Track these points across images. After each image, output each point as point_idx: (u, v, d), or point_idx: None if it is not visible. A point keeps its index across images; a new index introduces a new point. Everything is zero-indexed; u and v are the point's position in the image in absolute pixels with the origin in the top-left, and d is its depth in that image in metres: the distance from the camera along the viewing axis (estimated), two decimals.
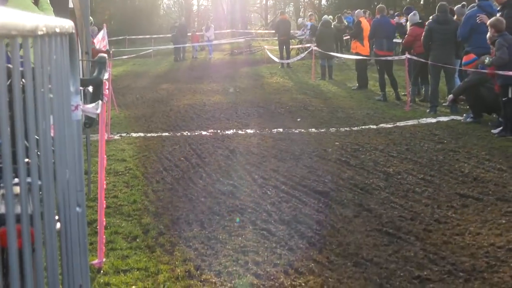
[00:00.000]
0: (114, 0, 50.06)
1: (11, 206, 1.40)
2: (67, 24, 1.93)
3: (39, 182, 1.69)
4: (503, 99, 9.80)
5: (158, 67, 29.03)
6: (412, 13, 15.00)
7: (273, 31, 39.74)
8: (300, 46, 28.77)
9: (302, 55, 23.52)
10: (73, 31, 2.10)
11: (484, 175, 7.28)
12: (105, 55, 3.93)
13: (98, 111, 4.15)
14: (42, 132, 1.72)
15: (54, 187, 1.81)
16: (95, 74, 3.61)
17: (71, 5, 10.27)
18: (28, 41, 1.47)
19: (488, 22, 10.38)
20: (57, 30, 1.75)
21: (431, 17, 13.57)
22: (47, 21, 1.58)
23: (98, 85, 3.56)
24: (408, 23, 15.00)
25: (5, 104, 1.32)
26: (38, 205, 1.61)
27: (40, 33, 1.48)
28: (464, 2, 14.31)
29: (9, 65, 1.46)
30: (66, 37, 1.97)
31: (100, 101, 3.93)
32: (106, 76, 4.46)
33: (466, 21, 12.02)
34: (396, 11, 31.84)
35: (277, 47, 26.88)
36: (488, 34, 10.31)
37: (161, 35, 39.80)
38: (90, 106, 3.89)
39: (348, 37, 23.53)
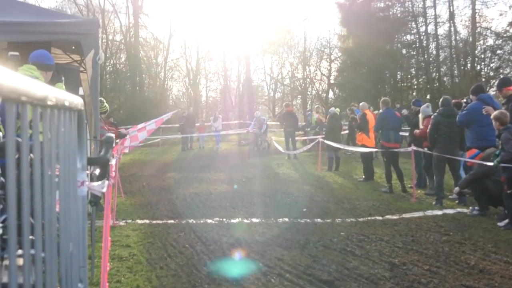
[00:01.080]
0: (124, 90, 50.87)
1: (14, 276, 1.41)
2: (76, 100, 1.98)
3: (43, 254, 1.71)
4: (508, 191, 9.80)
5: (165, 156, 29.19)
6: (424, 105, 15.10)
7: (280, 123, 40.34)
8: (305, 138, 29.02)
9: (309, 146, 23.63)
10: (82, 108, 2.15)
11: (490, 267, 7.21)
12: (113, 135, 4.00)
13: (104, 190, 4.18)
14: (47, 206, 1.74)
15: (57, 259, 1.82)
16: (102, 153, 3.66)
17: (81, 92, 10.49)
18: (37, 110, 1.51)
19: (492, 115, 10.48)
20: (66, 103, 1.80)
21: (436, 111, 13.68)
22: (57, 93, 1.62)
23: (105, 164, 3.60)
24: (420, 115, 15.01)
25: (13, 180, 1.35)
26: (40, 276, 1.62)
27: (49, 103, 1.53)
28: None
29: (18, 139, 1.49)
30: (75, 112, 2.02)
31: (106, 180, 3.97)
32: (113, 161, 4.50)
33: (468, 112, 12.12)
34: (402, 105, 32.25)
35: (283, 138, 27.09)
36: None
37: (169, 125, 40.17)
38: (96, 184, 3.93)
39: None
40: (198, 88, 56.95)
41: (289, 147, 25.56)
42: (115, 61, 52.00)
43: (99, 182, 3.89)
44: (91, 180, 4.65)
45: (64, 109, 1.78)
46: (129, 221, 10.91)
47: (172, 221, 10.91)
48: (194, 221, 10.77)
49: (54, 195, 1.86)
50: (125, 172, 19.52)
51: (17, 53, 6.65)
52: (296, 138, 27.57)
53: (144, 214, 11.72)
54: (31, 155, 1.59)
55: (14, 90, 1.16)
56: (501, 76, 45.08)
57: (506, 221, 9.88)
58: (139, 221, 10.93)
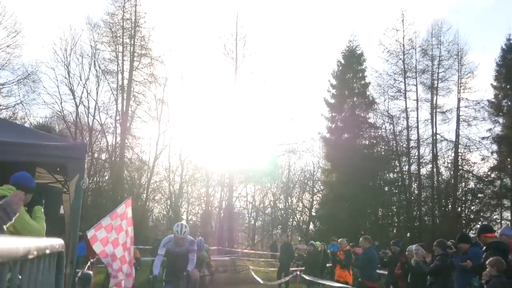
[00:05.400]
0: (105, 208, 50.35)
1: None
2: (57, 243, 1.98)
3: None
4: None
5: (138, 279, 28.51)
6: (414, 246, 15.01)
7: (258, 251, 40.15)
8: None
9: (287, 278, 23.34)
10: (63, 249, 2.15)
11: None
12: (90, 272, 3.95)
13: None
14: None
15: None
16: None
17: (62, 211, 10.44)
18: (17, 266, 1.50)
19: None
20: (48, 251, 1.79)
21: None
22: (39, 243, 1.62)
23: None
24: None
25: None
26: None
27: (30, 257, 1.52)
28: None
29: None
30: (55, 255, 2.01)
31: None
32: None
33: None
34: (381, 242, 32.41)
35: (261, 268, 26.74)
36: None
37: (147, 246, 39.68)
38: None
39: (331, 264, 23.41)
40: (180, 211, 56.77)
41: (280, 277, 24.98)
42: (98, 179, 51.97)
43: None
44: None
45: (45, 257, 1.78)
46: None
47: None
48: None
49: None
50: None
51: None
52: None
53: None
54: None
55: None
56: (481, 219, 45.94)
57: None
58: None
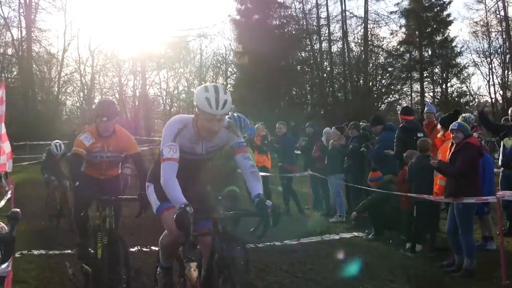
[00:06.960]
0: (15, 104, 48.99)
1: None
2: None
3: None
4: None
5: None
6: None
7: None
8: None
9: None
10: None
11: None
12: (18, 210, 3.83)
13: (8, 269, 3.92)
14: None
15: None
16: (7, 230, 3.51)
17: None
18: None
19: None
20: None
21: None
22: None
23: (9, 243, 3.45)
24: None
25: None
26: None
27: None
28: None
29: None
30: None
31: (11, 259, 3.76)
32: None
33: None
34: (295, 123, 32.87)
35: None
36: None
37: (64, 141, 39.16)
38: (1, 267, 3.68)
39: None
40: (93, 102, 55.86)
41: None
42: (6, 75, 50.35)
43: (4, 265, 3.64)
44: None
45: None
46: (25, 252, 10.38)
47: (69, 251, 10.52)
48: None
49: None
50: (18, 194, 18.26)
51: None
52: None
53: (40, 244, 11.09)
54: None
55: None
56: (392, 92, 47.24)
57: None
58: (35, 252, 10.49)
